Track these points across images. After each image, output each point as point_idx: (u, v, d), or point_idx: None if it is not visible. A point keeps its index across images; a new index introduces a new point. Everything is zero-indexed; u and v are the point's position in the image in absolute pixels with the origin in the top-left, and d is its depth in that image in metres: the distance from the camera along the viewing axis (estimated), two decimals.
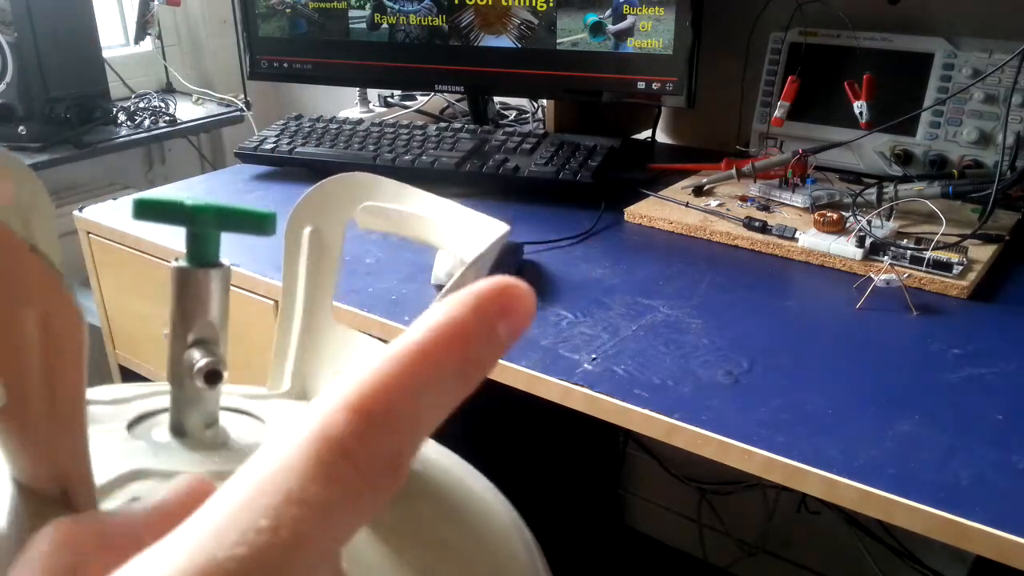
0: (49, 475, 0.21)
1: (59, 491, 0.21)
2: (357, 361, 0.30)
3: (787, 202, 0.86)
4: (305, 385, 0.31)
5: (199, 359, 0.24)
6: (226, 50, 1.69)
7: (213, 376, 0.25)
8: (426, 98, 1.32)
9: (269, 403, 0.29)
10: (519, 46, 1.03)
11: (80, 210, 0.95)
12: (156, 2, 1.49)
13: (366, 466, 0.14)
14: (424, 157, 0.97)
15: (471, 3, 1.04)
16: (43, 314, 0.19)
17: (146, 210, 0.23)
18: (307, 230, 0.28)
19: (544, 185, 0.93)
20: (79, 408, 0.20)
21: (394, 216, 0.30)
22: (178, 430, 0.26)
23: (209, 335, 0.25)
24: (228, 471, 0.21)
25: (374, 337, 0.30)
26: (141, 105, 1.48)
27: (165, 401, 0.27)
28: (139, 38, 1.53)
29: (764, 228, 0.79)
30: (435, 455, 0.29)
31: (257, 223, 0.24)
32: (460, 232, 0.28)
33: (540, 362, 0.60)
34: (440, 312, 0.16)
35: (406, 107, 1.32)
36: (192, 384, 0.25)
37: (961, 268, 0.69)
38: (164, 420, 0.27)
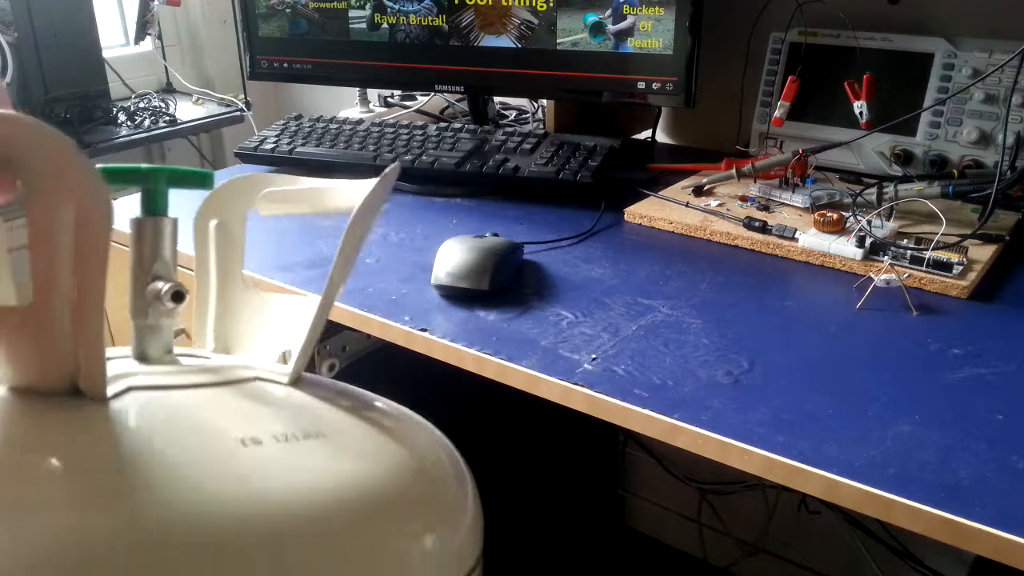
0: (61, 371, 0.23)
1: (69, 385, 0.24)
2: (271, 318, 0.34)
3: (787, 202, 0.86)
4: (227, 344, 0.36)
5: (163, 285, 0.29)
6: (226, 50, 1.69)
7: (178, 296, 0.29)
8: (426, 98, 1.32)
9: (205, 352, 0.34)
10: (519, 46, 1.03)
11: None
12: (156, 2, 1.49)
13: None
14: (424, 157, 0.97)
15: (471, 3, 1.04)
16: (81, 211, 0.22)
17: (113, 177, 0.27)
18: (213, 223, 0.32)
19: (544, 185, 0.93)
20: (100, 303, 0.23)
21: (290, 196, 0.34)
22: (141, 357, 0.31)
23: (165, 272, 0.29)
24: (185, 382, 0.26)
25: (302, 302, 0.34)
26: (141, 105, 1.48)
27: (121, 353, 0.31)
28: (139, 38, 1.53)
29: (764, 228, 0.79)
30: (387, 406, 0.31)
31: (200, 179, 0.29)
32: (352, 190, 0.32)
33: (540, 362, 0.60)
34: None
35: (406, 107, 1.32)
36: (156, 311, 0.29)
37: (961, 268, 0.69)
38: (128, 354, 0.31)
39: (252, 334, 0.34)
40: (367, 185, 0.31)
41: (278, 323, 0.34)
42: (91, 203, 0.22)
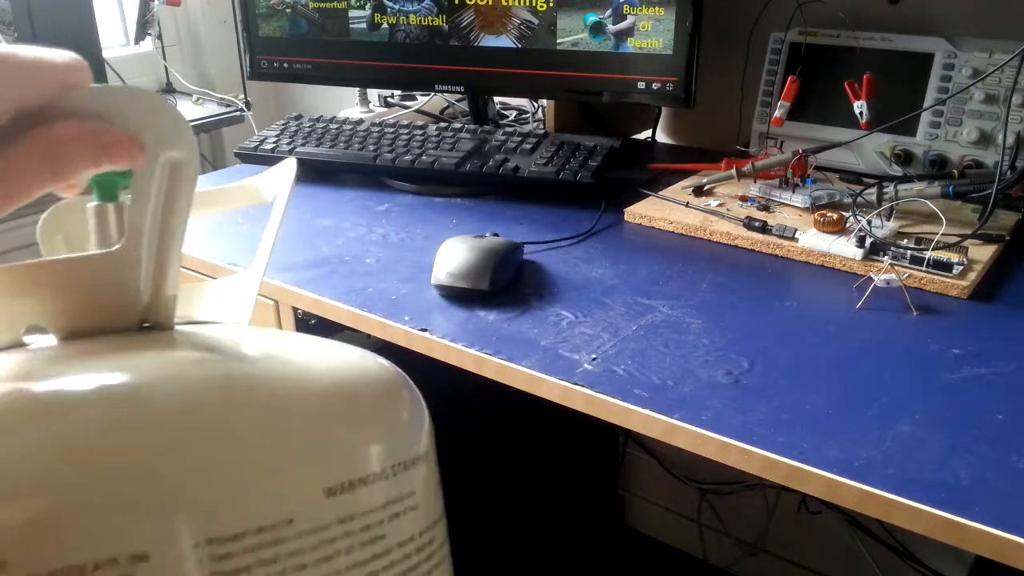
0: (137, 307, 0.27)
1: (138, 321, 0.28)
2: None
3: (787, 202, 0.86)
4: None
5: None
6: (226, 50, 1.69)
7: None
8: (426, 98, 1.32)
9: None
10: (519, 46, 1.03)
11: None
12: (156, 2, 1.49)
13: None
14: (424, 157, 0.97)
15: (471, 3, 1.04)
16: (174, 161, 0.27)
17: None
18: (58, 236, 0.35)
19: (544, 185, 0.93)
20: (182, 240, 0.28)
21: None
22: None
23: None
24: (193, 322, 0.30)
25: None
26: None
27: None
28: (139, 38, 1.53)
29: (764, 228, 0.79)
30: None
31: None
32: (249, 185, 0.35)
33: (540, 362, 0.60)
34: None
35: (406, 107, 1.32)
36: None
37: (961, 268, 0.69)
38: None
39: None
40: (250, 184, 0.34)
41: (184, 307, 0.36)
42: (184, 155, 0.27)
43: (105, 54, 1.42)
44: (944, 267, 0.69)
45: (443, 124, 1.12)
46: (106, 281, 0.27)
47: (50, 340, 0.27)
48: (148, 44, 1.59)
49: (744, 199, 0.88)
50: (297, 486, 0.23)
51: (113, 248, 0.26)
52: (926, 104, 0.91)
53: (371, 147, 1.01)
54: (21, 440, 0.21)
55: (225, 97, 1.58)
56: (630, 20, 0.96)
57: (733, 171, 0.91)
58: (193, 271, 0.80)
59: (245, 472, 0.23)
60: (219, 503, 0.22)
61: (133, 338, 0.27)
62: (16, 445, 0.21)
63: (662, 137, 1.24)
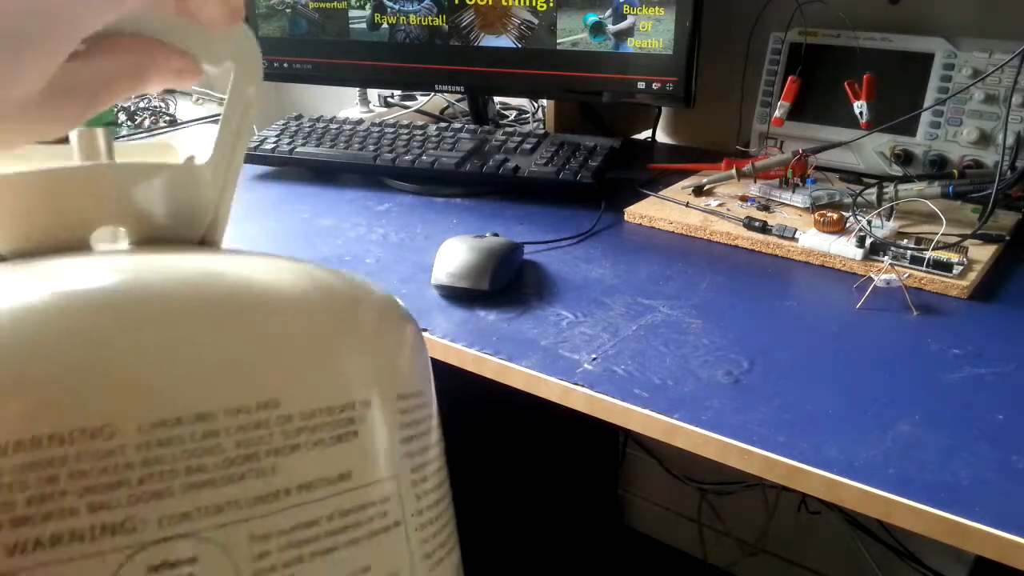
0: (204, 221, 0.31)
1: (200, 235, 0.31)
2: None
3: (787, 202, 0.86)
4: None
5: None
6: None
7: None
8: (426, 98, 1.32)
9: None
10: (519, 46, 1.03)
11: None
12: None
13: None
14: (424, 157, 0.97)
15: (471, 3, 1.04)
16: (247, 97, 0.32)
17: None
18: None
19: (544, 185, 0.93)
20: (238, 171, 0.32)
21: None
22: None
23: None
24: None
25: None
26: (141, 105, 1.48)
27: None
28: None
29: (764, 228, 0.79)
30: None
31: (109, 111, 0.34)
32: (164, 143, 0.39)
33: (540, 362, 0.60)
34: None
35: (406, 107, 1.32)
36: None
37: (961, 268, 0.69)
38: None
39: None
40: (165, 141, 0.38)
41: None
42: (254, 93, 0.32)
43: None
44: (944, 267, 0.69)
45: (443, 124, 1.12)
46: (188, 190, 0.30)
47: (121, 246, 0.29)
48: None
49: (744, 199, 0.88)
50: (424, 365, 0.31)
51: (203, 161, 0.30)
52: (926, 104, 0.91)
53: (371, 147, 1.01)
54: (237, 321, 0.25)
55: (225, 97, 1.58)
56: (630, 20, 0.96)
57: (733, 171, 0.91)
58: None
59: (411, 349, 0.30)
60: (402, 370, 0.29)
61: (203, 249, 0.30)
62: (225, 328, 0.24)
63: (662, 137, 1.24)
